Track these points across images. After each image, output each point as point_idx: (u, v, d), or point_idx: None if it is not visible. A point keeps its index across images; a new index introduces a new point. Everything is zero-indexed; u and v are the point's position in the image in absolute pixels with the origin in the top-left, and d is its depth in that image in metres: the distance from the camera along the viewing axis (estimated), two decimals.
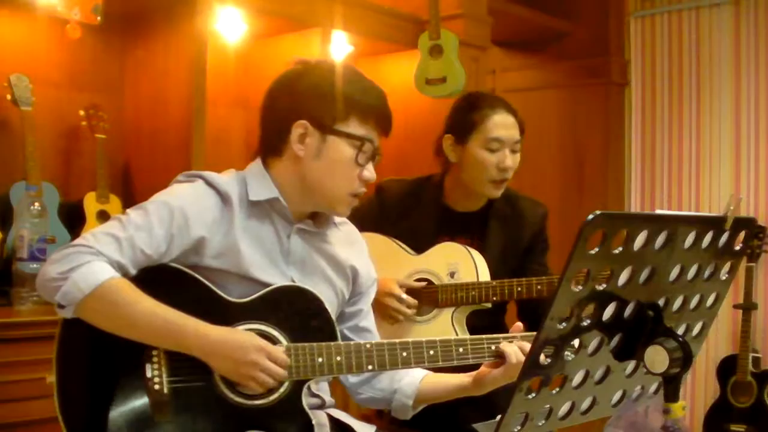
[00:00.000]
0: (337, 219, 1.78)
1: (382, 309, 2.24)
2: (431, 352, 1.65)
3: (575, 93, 4.37)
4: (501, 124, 2.30)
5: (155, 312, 1.48)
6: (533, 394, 1.17)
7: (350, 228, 1.85)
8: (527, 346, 1.66)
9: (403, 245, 2.36)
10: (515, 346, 1.67)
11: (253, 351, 1.49)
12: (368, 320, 1.85)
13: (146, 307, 1.48)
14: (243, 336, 1.52)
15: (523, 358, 1.64)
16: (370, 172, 1.65)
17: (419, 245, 2.34)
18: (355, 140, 1.62)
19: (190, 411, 1.52)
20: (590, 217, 1.06)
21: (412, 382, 1.79)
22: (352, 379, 1.82)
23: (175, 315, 1.49)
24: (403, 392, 1.79)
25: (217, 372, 1.53)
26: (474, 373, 1.73)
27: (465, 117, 2.34)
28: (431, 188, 2.41)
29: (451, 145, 2.35)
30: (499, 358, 1.68)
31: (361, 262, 1.82)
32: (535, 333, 1.68)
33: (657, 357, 1.18)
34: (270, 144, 1.67)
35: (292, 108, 1.63)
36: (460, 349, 1.67)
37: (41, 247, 2.46)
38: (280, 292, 1.62)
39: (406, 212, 2.39)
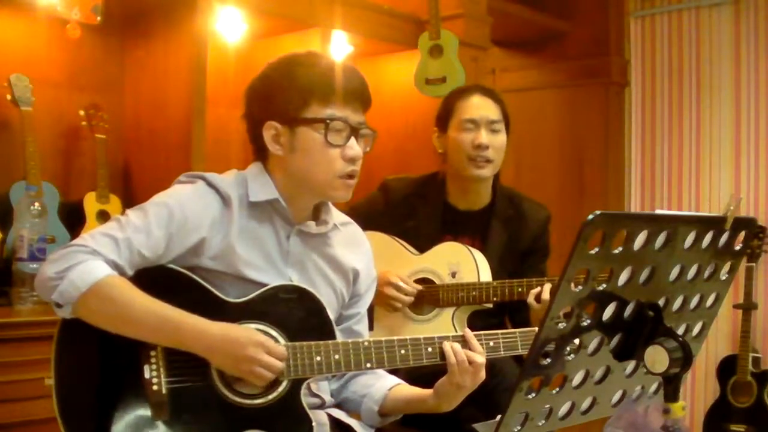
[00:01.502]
0: (339, 220, 1.77)
1: (380, 299, 2.24)
2: (429, 350, 1.65)
3: (575, 93, 4.37)
4: (474, 105, 2.36)
5: (152, 309, 1.48)
6: (533, 394, 1.17)
7: (354, 229, 1.84)
8: (457, 346, 1.65)
9: (406, 244, 2.36)
10: (454, 344, 1.65)
11: (251, 346, 1.49)
12: (361, 325, 1.84)
13: (143, 304, 1.48)
14: (241, 331, 1.52)
15: (462, 358, 1.63)
16: (352, 149, 1.62)
17: (424, 244, 2.35)
18: (318, 123, 1.60)
19: (189, 411, 1.52)
20: (590, 217, 1.06)
21: (382, 388, 1.77)
22: (333, 385, 1.82)
23: (173, 311, 1.49)
24: (371, 397, 1.76)
25: (215, 367, 1.53)
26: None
27: (444, 107, 2.42)
28: (435, 186, 2.43)
29: (437, 138, 2.42)
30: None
31: (362, 263, 1.82)
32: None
33: (657, 357, 1.18)
34: (257, 150, 1.69)
35: (259, 113, 1.64)
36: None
37: (41, 247, 2.46)
38: (278, 292, 1.61)
39: (412, 211, 2.40)
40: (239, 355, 1.48)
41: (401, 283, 2.26)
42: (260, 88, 1.66)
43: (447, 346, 1.65)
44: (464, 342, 1.67)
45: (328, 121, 1.59)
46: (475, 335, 1.69)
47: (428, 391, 1.71)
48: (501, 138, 2.36)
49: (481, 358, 1.65)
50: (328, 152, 1.61)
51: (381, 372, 1.81)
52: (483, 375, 1.66)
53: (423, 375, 1.81)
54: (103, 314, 1.47)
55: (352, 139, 1.63)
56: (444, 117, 2.40)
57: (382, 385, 1.77)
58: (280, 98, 1.61)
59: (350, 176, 1.64)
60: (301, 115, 1.60)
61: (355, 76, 1.65)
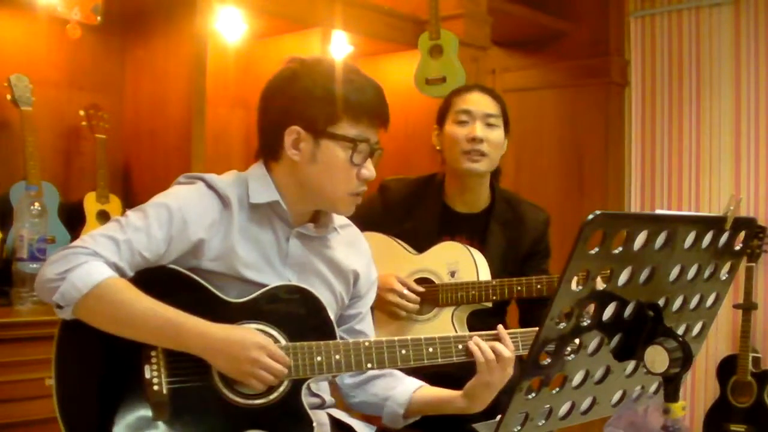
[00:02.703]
0: (338, 222, 1.77)
1: (383, 305, 2.24)
2: (430, 350, 1.65)
3: (575, 93, 4.37)
4: (469, 99, 2.36)
5: (154, 310, 1.48)
6: (533, 394, 1.17)
7: (353, 230, 1.84)
8: (483, 344, 1.66)
9: (404, 244, 2.36)
10: (480, 342, 1.66)
11: (254, 349, 1.49)
12: (364, 324, 1.84)
13: (144, 305, 1.47)
14: (243, 333, 1.52)
15: (490, 356, 1.64)
16: (368, 170, 1.63)
17: (421, 245, 2.34)
18: (348, 142, 1.60)
19: (190, 411, 1.52)
20: (590, 217, 1.06)
21: (406, 391, 1.77)
22: (348, 380, 1.81)
23: (174, 313, 1.48)
24: (395, 400, 1.77)
25: (217, 370, 1.53)
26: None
27: (443, 104, 2.42)
28: (434, 188, 2.42)
29: (436, 136, 2.41)
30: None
31: (362, 265, 1.82)
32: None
33: (657, 357, 1.18)
34: (267, 148, 1.67)
35: (284, 113, 1.62)
36: (459, 346, 1.67)
37: (41, 247, 2.46)
38: (278, 292, 1.62)
39: (409, 212, 2.40)
40: (242, 357, 1.48)
41: (405, 290, 2.25)
42: (293, 89, 1.62)
43: (472, 345, 1.65)
44: (495, 338, 1.68)
45: (357, 141, 1.60)
46: (476, 334, 1.69)
47: (456, 393, 1.72)
48: (497, 133, 2.34)
49: (508, 353, 1.66)
50: (349, 171, 1.61)
51: (399, 374, 1.81)
52: (511, 371, 1.67)
53: (422, 376, 1.81)
54: (104, 316, 1.47)
55: (368, 160, 1.63)
56: (442, 113, 2.40)
57: (405, 388, 1.78)
58: (310, 106, 1.59)
59: (358, 195, 1.65)
60: (329, 128, 1.59)
61: (382, 97, 1.65)
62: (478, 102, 2.35)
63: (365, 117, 1.61)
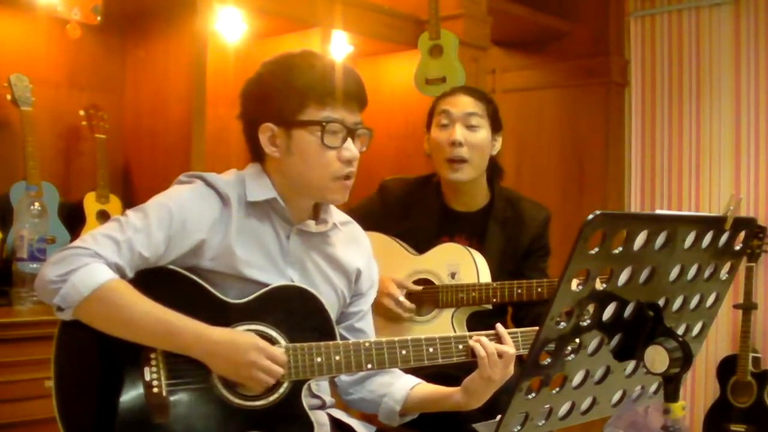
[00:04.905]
0: (339, 218, 1.77)
1: (379, 308, 2.24)
2: (430, 350, 1.65)
3: (575, 93, 4.37)
4: (450, 101, 2.33)
5: (154, 313, 1.48)
6: (533, 394, 1.17)
7: (354, 228, 1.84)
8: (485, 339, 1.66)
9: (405, 245, 2.35)
10: (482, 338, 1.66)
11: (252, 351, 1.49)
12: (365, 322, 1.84)
13: (145, 308, 1.47)
14: (242, 336, 1.52)
15: (492, 351, 1.64)
16: (349, 150, 1.62)
17: (421, 244, 2.34)
18: (314, 125, 1.59)
19: (190, 413, 1.52)
20: (590, 217, 1.06)
21: (403, 388, 1.77)
22: (345, 378, 1.81)
23: (174, 316, 1.49)
24: (392, 396, 1.76)
25: (215, 372, 1.53)
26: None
27: (430, 108, 2.40)
28: (432, 187, 2.41)
29: (426, 141, 2.40)
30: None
31: (364, 262, 1.81)
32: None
33: (657, 357, 1.19)
34: (253, 151, 1.68)
35: (255, 114, 1.64)
36: (460, 346, 1.67)
37: (41, 247, 2.46)
38: (278, 292, 1.62)
39: (409, 211, 2.39)
40: (239, 360, 1.49)
41: (401, 298, 2.25)
42: (256, 89, 1.66)
43: (473, 341, 1.66)
44: (497, 338, 1.68)
45: (324, 123, 1.59)
46: (475, 334, 1.69)
47: (454, 388, 1.72)
48: (479, 135, 2.30)
49: (511, 350, 1.66)
50: (324, 154, 1.60)
51: (397, 371, 1.81)
52: (512, 369, 1.67)
53: (423, 376, 1.81)
54: (105, 318, 1.47)
55: (349, 141, 1.62)
56: (429, 118, 2.39)
57: (402, 385, 1.77)
58: (276, 100, 1.61)
59: (347, 177, 1.64)
60: (297, 117, 1.60)
61: (351, 76, 1.64)
62: (458, 102, 2.32)
63: (330, 98, 1.60)
